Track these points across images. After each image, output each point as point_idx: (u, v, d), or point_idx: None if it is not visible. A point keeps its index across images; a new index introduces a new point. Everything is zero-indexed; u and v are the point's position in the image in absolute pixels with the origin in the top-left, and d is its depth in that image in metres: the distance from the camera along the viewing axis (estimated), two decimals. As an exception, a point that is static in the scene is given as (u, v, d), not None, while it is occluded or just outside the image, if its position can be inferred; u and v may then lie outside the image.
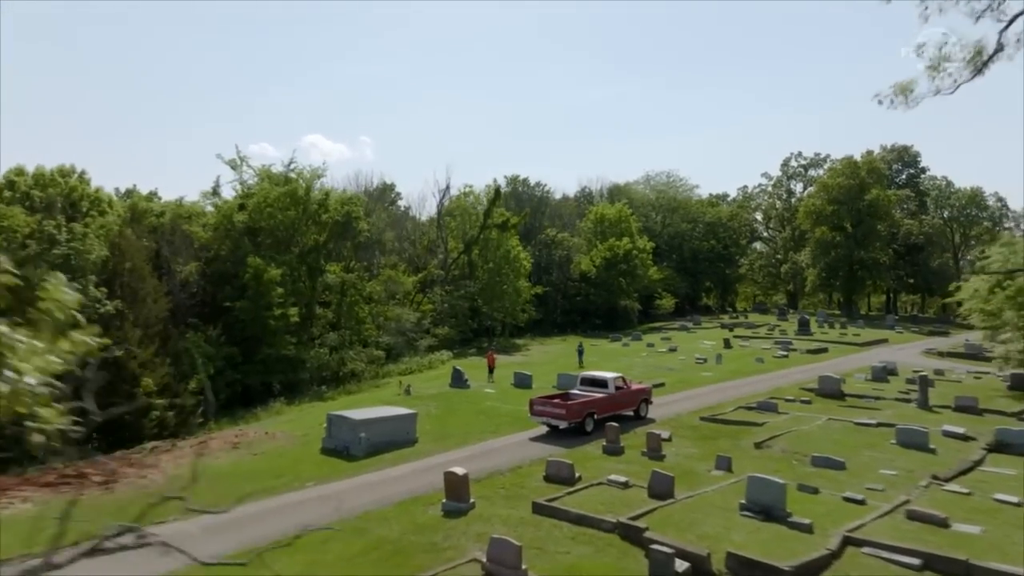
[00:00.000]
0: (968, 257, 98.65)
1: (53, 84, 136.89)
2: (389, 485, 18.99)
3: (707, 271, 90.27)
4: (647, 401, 26.44)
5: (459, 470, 16.64)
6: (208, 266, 38.30)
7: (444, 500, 16.59)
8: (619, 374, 26.60)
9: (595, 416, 24.02)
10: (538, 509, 15.90)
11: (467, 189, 64.30)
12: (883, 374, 34.27)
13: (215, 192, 38.68)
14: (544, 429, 24.65)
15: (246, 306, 35.45)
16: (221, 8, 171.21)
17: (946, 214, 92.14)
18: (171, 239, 38.86)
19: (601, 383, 25.48)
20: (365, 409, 24.94)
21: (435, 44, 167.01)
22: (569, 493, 17.02)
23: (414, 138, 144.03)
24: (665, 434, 22.79)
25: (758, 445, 21.55)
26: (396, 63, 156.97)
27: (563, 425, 23.55)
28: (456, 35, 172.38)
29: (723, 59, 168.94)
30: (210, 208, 38.70)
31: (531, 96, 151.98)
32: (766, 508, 15.14)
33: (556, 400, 24.14)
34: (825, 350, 47.22)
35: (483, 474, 19.40)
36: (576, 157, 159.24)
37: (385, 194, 78.70)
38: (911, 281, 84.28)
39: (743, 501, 15.58)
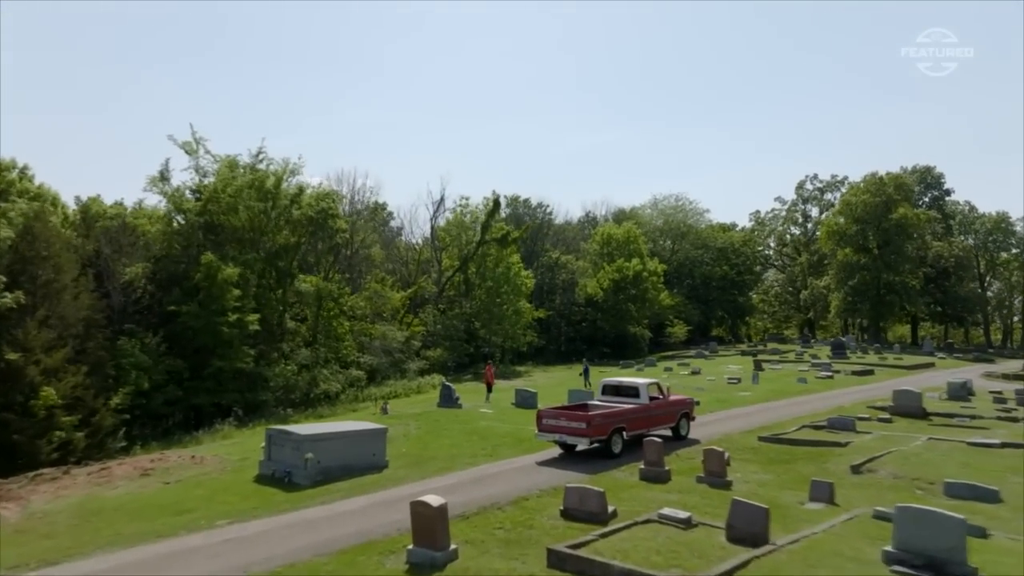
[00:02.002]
0: (995, 287, 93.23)
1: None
2: (336, 524, 13.00)
3: (719, 299, 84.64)
4: (688, 416, 20.46)
5: (433, 500, 10.69)
6: (156, 265, 32.57)
7: (410, 547, 10.65)
8: (653, 380, 20.71)
9: (624, 433, 18.06)
10: (557, 560, 9.95)
11: (463, 202, 59.01)
12: (963, 392, 28.34)
13: (163, 177, 33.05)
14: (555, 451, 18.72)
15: (195, 310, 29.56)
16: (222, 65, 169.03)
17: (971, 240, 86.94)
18: (115, 236, 33.22)
19: (631, 391, 19.55)
20: (317, 424, 19.02)
21: (431, 88, 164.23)
22: (603, 536, 11.04)
23: (411, 179, 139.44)
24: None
25: (856, 469, 15.57)
26: (395, 108, 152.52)
27: (583, 444, 17.59)
28: (451, 79, 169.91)
29: (719, 103, 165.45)
30: (158, 198, 33.16)
31: (532, 140, 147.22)
32: (934, 561, 9.19)
33: (574, 411, 18.21)
34: (871, 372, 41.29)
35: (473, 508, 13.46)
36: (577, 192, 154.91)
37: (376, 213, 73.50)
38: (939, 309, 78.53)
39: (889, 548, 9.64)
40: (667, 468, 15.34)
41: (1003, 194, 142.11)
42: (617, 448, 17.82)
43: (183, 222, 33.57)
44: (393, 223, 75.99)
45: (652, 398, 19.39)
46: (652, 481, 15.03)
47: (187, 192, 33.37)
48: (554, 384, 40.93)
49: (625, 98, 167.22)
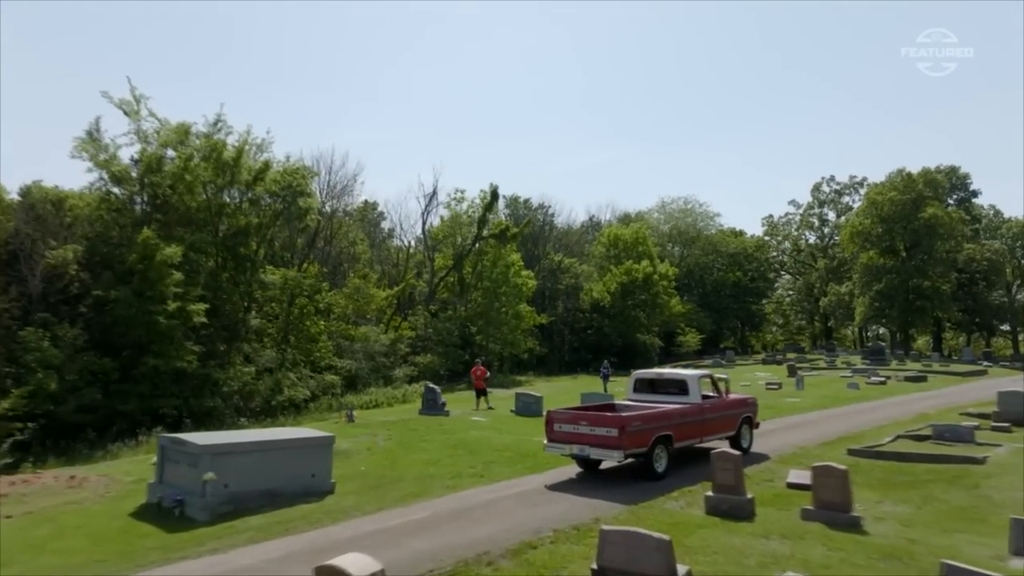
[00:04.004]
0: (1021, 295, 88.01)
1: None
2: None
3: (731, 307, 79.49)
4: (751, 422, 15.12)
5: (356, 567, 5.40)
6: (91, 249, 27.29)
7: (312, 655, 5.35)
8: (704, 372, 15.39)
9: (671, 444, 12.72)
10: None
11: (458, 195, 53.72)
12: (1067, 397, 22.97)
13: (92, 137, 27.32)
14: (571, 469, 13.44)
15: (126, 296, 24.25)
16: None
17: (996, 245, 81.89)
18: (42, 215, 28.05)
19: (676, 387, 14.20)
20: (229, 432, 13.77)
21: (425, 94, 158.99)
22: (686, 633, 5.71)
23: (401, 176, 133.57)
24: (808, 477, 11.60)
25: (1040, 498, 10.24)
26: (392, 127, 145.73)
27: (611, 459, 12.30)
28: (446, 90, 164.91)
29: (719, 118, 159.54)
30: (88, 164, 27.56)
31: (530, 157, 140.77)
32: None
33: (600, 413, 12.85)
34: (924, 379, 35.96)
35: (447, 562, 8.20)
36: (580, 198, 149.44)
37: (366, 213, 68.50)
38: (967, 317, 73.22)
39: None
40: (749, 496, 10.00)
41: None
42: (661, 465, 12.49)
43: (121, 195, 28.29)
44: (384, 224, 71.09)
45: (705, 397, 14.07)
46: (729, 517, 9.68)
47: (128, 161, 28.02)
48: (559, 392, 35.55)
49: (628, 116, 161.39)
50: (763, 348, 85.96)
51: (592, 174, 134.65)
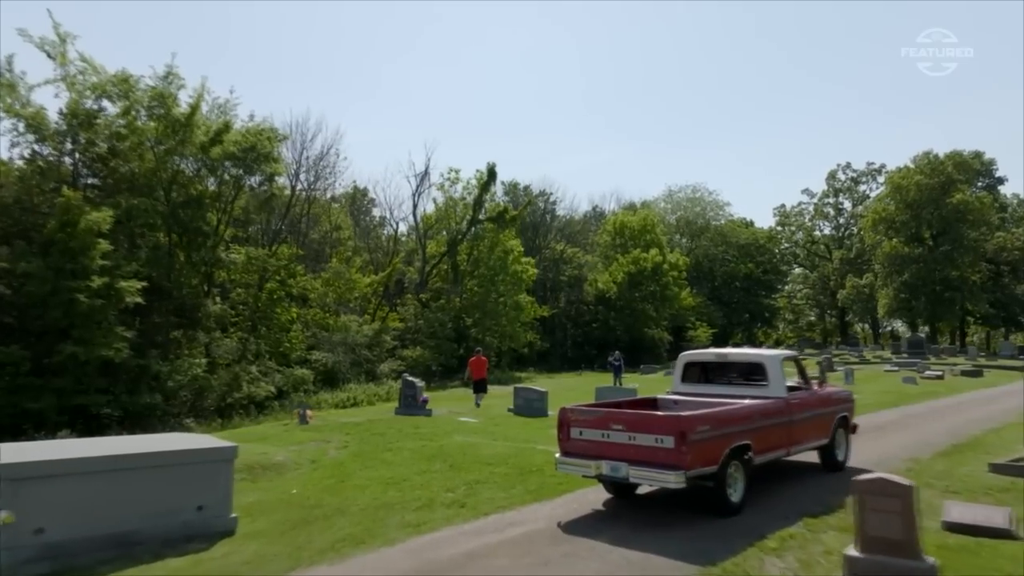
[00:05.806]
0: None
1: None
2: None
3: (741, 300, 75.32)
4: (847, 424, 10.75)
5: None
6: (6, 217, 22.89)
7: None
8: (788, 352, 11.06)
9: (750, 458, 8.30)
10: None
11: (452, 174, 49.14)
12: None
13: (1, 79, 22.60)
14: (595, 494, 9.04)
15: (39, 270, 19.87)
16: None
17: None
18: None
19: (749, 372, 9.77)
20: (56, 443, 9.53)
21: (419, 109, 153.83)
22: None
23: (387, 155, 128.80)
24: (1000, 516, 7.26)
25: None
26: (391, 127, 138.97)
27: (666, 484, 7.79)
28: (444, 102, 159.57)
29: (721, 117, 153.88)
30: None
31: (528, 161, 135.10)
32: None
33: (641, 412, 8.40)
34: (980, 373, 31.69)
35: None
36: (582, 187, 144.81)
37: (356, 200, 64.18)
38: (996, 310, 68.84)
39: None
40: (933, 561, 5.59)
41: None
42: (736, 492, 8.11)
43: (48, 155, 23.90)
44: (375, 211, 66.76)
45: (791, 389, 9.65)
46: (903, 601, 5.30)
47: (57, 114, 23.52)
48: (565, 389, 31.15)
49: (629, 115, 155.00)
50: (776, 343, 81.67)
51: (594, 173, 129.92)
